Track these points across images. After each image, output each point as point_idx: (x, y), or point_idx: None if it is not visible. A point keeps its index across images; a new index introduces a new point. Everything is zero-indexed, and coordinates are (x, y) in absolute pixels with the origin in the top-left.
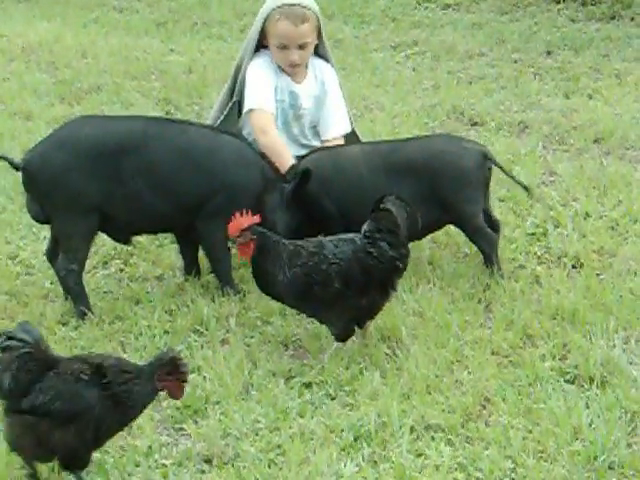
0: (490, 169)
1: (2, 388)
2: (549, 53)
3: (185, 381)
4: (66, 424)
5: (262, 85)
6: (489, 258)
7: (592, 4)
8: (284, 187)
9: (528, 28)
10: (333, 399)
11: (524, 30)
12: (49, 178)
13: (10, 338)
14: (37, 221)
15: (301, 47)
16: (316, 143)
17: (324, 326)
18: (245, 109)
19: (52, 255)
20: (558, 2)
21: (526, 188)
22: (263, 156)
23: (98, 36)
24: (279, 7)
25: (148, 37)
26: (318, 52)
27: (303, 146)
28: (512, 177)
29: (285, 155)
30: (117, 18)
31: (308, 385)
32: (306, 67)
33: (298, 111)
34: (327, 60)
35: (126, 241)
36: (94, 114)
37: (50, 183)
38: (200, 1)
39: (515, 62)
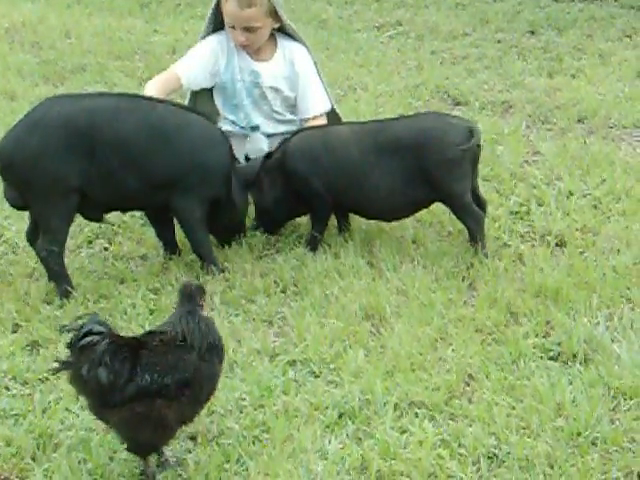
0: (479, 145)
1: (101, 384)
2: (532, 33)
3: None
4: (180, 395)
5: (191, 55)
6: (475, 236)
7: None
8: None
9: (512, 8)
10: (317, 377)
11: (508, 10)
12: (25, 163)
13: (87, 334)
14: (16, 207)
15: (248, 30)
16: (292, 117)
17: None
18: (175, 65)
19: (32, 237)
20: None
21: None
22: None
23: (82, 16)
24: None
25: (132, 18)
26: (286, 32)
27: (281, 122)
28: None
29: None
30: None
31: (292, 363)
32: (275, 46)
33: (261, 89)
34: (297, 40)
35: (99, 219)
36: (63, 93)
37: (26, 168)
38: None
39: (499, 42)
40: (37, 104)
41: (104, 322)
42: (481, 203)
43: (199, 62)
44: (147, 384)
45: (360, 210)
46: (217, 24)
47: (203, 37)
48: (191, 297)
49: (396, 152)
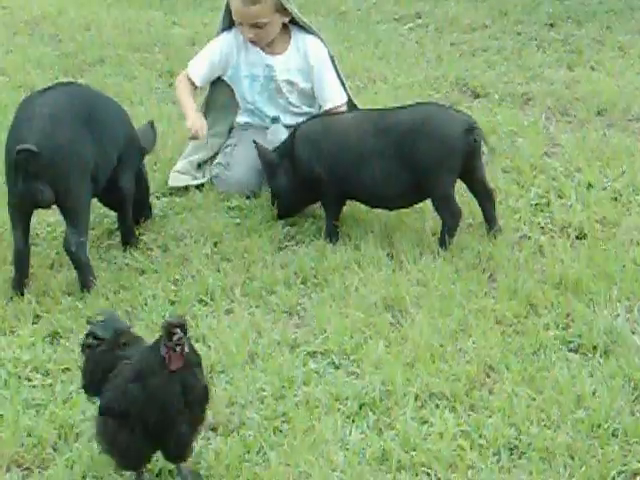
0: (477, 140)
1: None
2: (552, 25)
3: (175, 351)
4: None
5: (203, 54)
6: (447, 231)
7: None
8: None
9: (531, 0)
10: (338, 368)
11: (527, 2)
12: (59, 153)
13: (88, 335)
14: (45, 206)
15: (256, 26)
16: (310, 110)
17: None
18: (190, 64)
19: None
20: None
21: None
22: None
23: (101, 9)
24: None
25: (151, 10)
26: (299, 24)
27: (298, 114)
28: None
29: (187, 103)
30: None
31: (313, 354)
32: (289, 39)
33: (277, 84)
34: (311, 32)
35: None
36: (45, 87)
37: (66, 161)
38: None
39: (518, 34)
40: (38, 98)
41: (116, 321)
42: (489, 193)
43: (209, 63)
44: (106, 401)
45: (360, 197)
46: (231, 20)
47: (217, 32)
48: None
49: (394, 138)
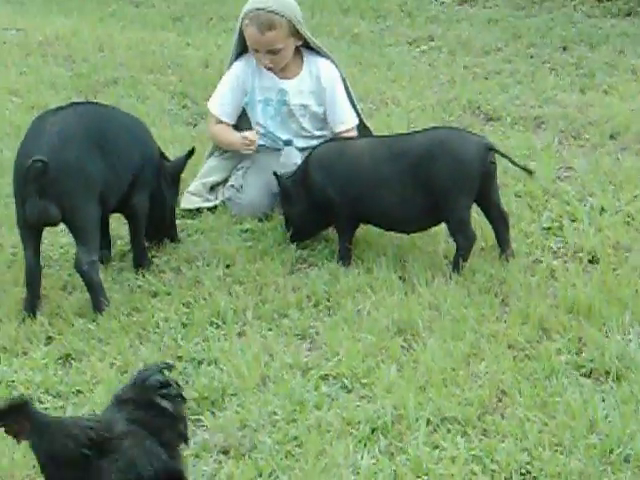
0: (493, 162)
1: None
2: (565, 49)
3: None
4: None
5: (223, 93)
6: (458, 257)
7: (608, 0)
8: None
9: (544, 24)
10: (350, 391)
11: (540, 26)
12: (68, 170)
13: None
14: (51, 224)
15: (271, 52)
16: (321, 133)
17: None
18: (208, 105)
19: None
20: None
21: (530, 172)
22: None
23: (115, 30)
24: (250, 11)
25: (165, 31)
26: (312, 47)
27: (310, 138)
28: (514, 163)
29: (230, 135)
30: (134, 12)
31: (325, 377)
32: (301, 63)
33: (289, 107)
34: (323, 55)
35: None
36: (60, 105)
37: (70, 175)
38: None
39: (531, 57)
40: (47, 117)
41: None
42: (503, 217)
43: (232, 97)
44: None
45: (375, 221)
46: (243, 47)
47: (231, 60)
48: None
49: (409, 162)
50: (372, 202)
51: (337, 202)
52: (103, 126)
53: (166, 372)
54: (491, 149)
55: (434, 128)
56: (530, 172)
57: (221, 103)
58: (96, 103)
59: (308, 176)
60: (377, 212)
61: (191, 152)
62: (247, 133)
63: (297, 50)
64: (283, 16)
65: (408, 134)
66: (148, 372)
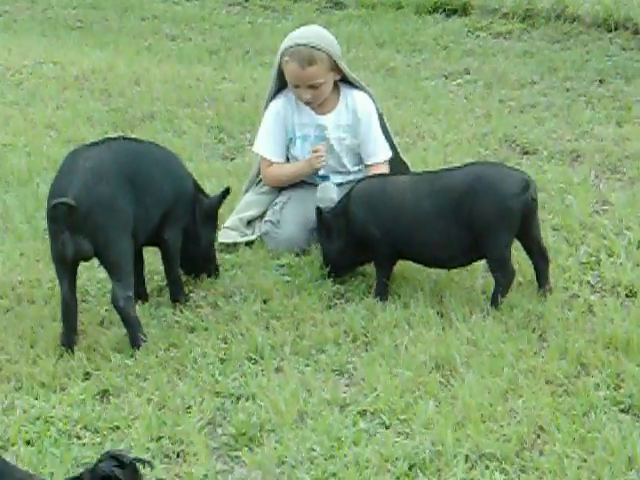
0: (534, 198)
1: None
2: (601, 82)
3: None
4: None
5: (268, 132)
6: (497, 293)
7: None
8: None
9: (579, 57)
10: (388, 428)
11: (576, 58)
12: (102, 206)
13: None
14: (84, 259)
15: (312, 87)
16: (358, 168)
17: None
18: (254, 149)
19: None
20: (609, 31)
21: None
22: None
23: (151, 64)
24: (290, 47)
25: (201, 65)
26: (349, 80)
27: (346, 174)
28: None
29: (290, 166)
30: (170, 46)
31: (362, 413)
32: (338, 96)
33: (329, 142)
34: (359, 87)
35: None
36: (91, 142)
37: (104, 211)
38: (252, 29)
39: (567, 90)
40: (79, 153)
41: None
42: (543, 253)
43: (275, 137)
44: None
45: (417, 257)
46: (281, 84)
47: (269, 97)
48: None
49: (451, 199)
50: (413, 238)
51: (378, 238)
52: (136, 162)
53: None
54: (531, 185)
55: (474, 164)
56: None
57: (269, 144)
58: (130, 138)
59: (349, 211)
60: (418, 248)
61: (227, 191)
62: (316, 147)
63: (334, 84)
64: (323, 51)
65: (449, 170)
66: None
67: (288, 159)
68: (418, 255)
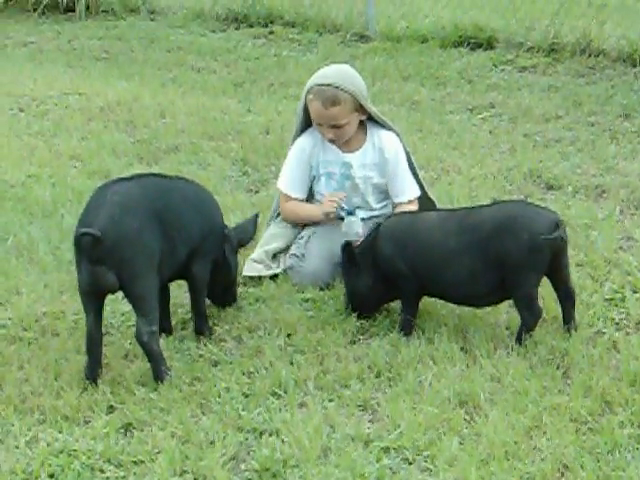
0: (564, 239)
1: None
2: (626, 116)
3: None
4: None
5: (290, 168)
6: (522, 331)
7: None
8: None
9: (605, 91)
10: (411, 464)
11: (601, 93)
12: (128, 240)
13: None
14: (109, 292)
15: (335, 126)
16: (383, 205)
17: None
18: (277, 184)
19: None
20: (634, 65)
21: None
22: None
23: (176, 96)
24: (315, 85)
25: (225, 97)
26: (374, 119)
27: (371, 210)
28: None
29: (306, 207)
30: (195, 78)
31: (386, 450)
32: (365, 135)
33: (354, 181)
34: (387, 127)
35: None
36: (119, 177)
37: (130, 245)
38: (277, 62)
39: (592, 125)
40: (109, 186)
41: None
42: (571, 293)
43: (298, 172)
44: None
45: (445, 295)
46: (308, 120)
47: (296, 134)
48: None
49: (480, 237)
50: (442, 277)
51: (406, 275)
52: (165, 198)
53: None
54: (561, 225)
55: (505, 202)
56: None
57: (290, 179)
58: (160, 175)
59: (377, 247)
60: (447, 287)
61: (256, 216)
62: (333, 194)
63: (361, 123)
64: (347, 92)
65: (479, 207)
66: None
67: (312, 195)
68: (446, 293)
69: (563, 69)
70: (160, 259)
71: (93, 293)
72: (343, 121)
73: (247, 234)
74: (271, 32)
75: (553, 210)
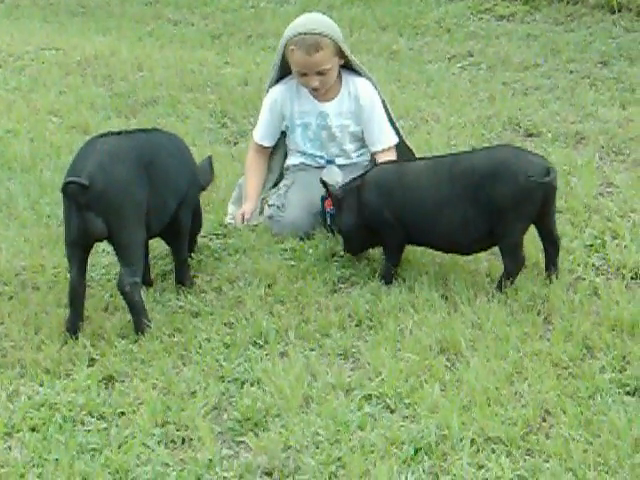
0: (554, 186)
1: None
2: (605, 63)
3: None
4: None
5: (263, 118)
6: (507, 277)
7: None
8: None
9: (583, 38)
10: (393, 412)
11: (579, 40)
12: (117, 188)
13: None
14: (97, 240)
15: (320, 73)
16: (360, 153)
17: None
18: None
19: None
20: (613, 12)
21: None
22: None
23: (153, 49)
24: (294, 36)
25: (203, 50)
26: (351, 67)
27: (348, 158)
28: None
29: (249, 184)
30: (172, 31)
31: (368, 398)
32: (340, 83)
33: (330, 130)
34: (362, 74)
35: None
36: (111, 130)
37: (119, 193)
38: (254, 13)
39: (570, 73)
40: (98, 139)
41: None
42: (555, 241)
43: (270, 121)
44: None
45: (432, 243)
46: (283, 72)
47: (270, 85)
48: None
49: (472, 183)
50: (432, 225)
51: (392, 224)
52: (154, 156)
53: None
54: (552, 171)
55: (493, 147)
56: None
57: (260, 127)
58: (148, 130)
59: (362, 197)
60: (437, 235)
61: (210, 157)
62: (239, 219)
63: None
64: (327, 36)
65: (466, 153)
66: None
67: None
68: (435, 241)
69: (541, 17)
70: (149, 214)
71: (80, 242)
72: (327, 66)
73: (207, 177)
74: None
75: (544, 157)
